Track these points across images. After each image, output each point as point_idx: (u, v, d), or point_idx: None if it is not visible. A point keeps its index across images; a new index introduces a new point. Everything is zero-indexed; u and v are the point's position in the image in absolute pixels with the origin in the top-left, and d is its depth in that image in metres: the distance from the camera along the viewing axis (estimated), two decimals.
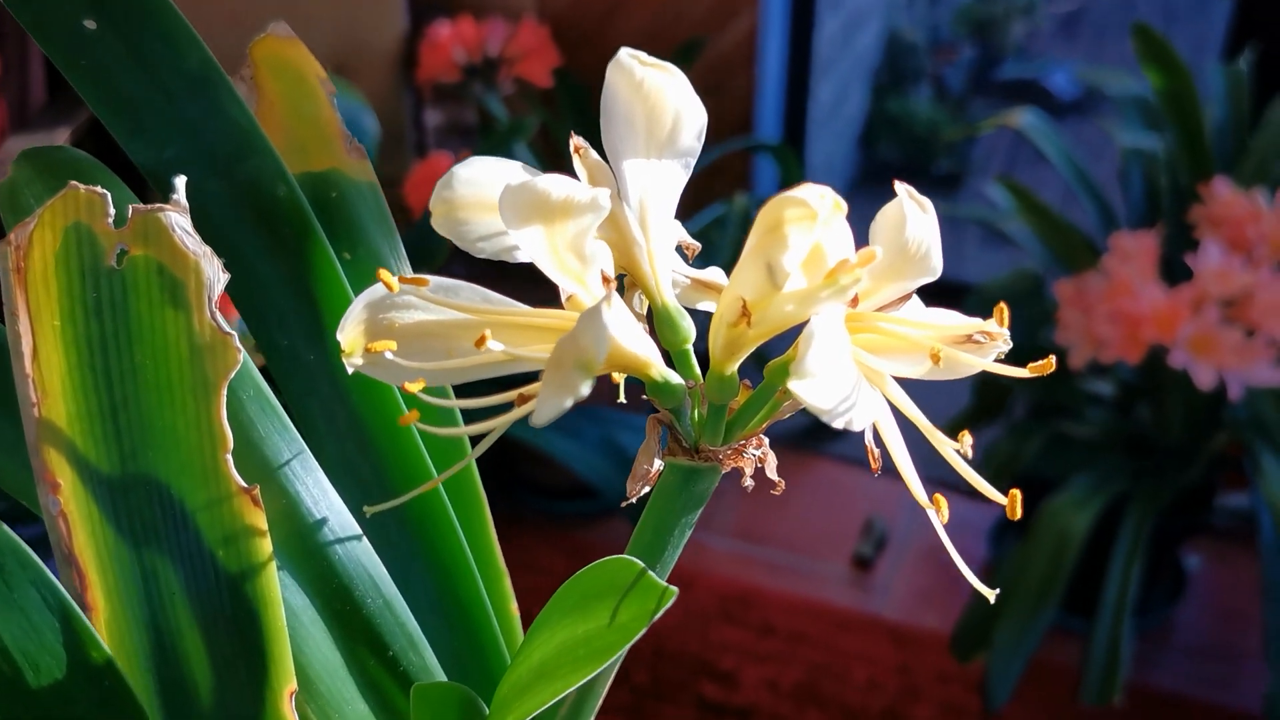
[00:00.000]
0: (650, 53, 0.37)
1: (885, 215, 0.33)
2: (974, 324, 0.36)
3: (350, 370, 0.37)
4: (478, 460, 0.46)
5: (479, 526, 0.49)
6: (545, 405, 0.28)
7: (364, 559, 0.43)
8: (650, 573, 0.33)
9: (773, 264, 0.29)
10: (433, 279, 0.36)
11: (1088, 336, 1.65)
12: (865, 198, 3.57)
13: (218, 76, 0.46)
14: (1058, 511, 1.66)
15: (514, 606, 0.50)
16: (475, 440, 0.40)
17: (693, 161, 0.38)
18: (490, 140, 2.09)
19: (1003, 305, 0.35)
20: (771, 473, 0.38)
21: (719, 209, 2.18)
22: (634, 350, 0.34)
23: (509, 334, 0.36)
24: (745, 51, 2.40)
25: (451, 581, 0.47)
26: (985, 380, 2.04)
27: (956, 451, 0.37)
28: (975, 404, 2.03)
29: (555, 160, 2.26)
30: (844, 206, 0.30)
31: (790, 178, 2.45)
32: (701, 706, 1.85)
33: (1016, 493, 0.36)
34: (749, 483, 0.38)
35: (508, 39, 2.15)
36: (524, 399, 0.36)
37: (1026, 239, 1.94)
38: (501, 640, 0.48)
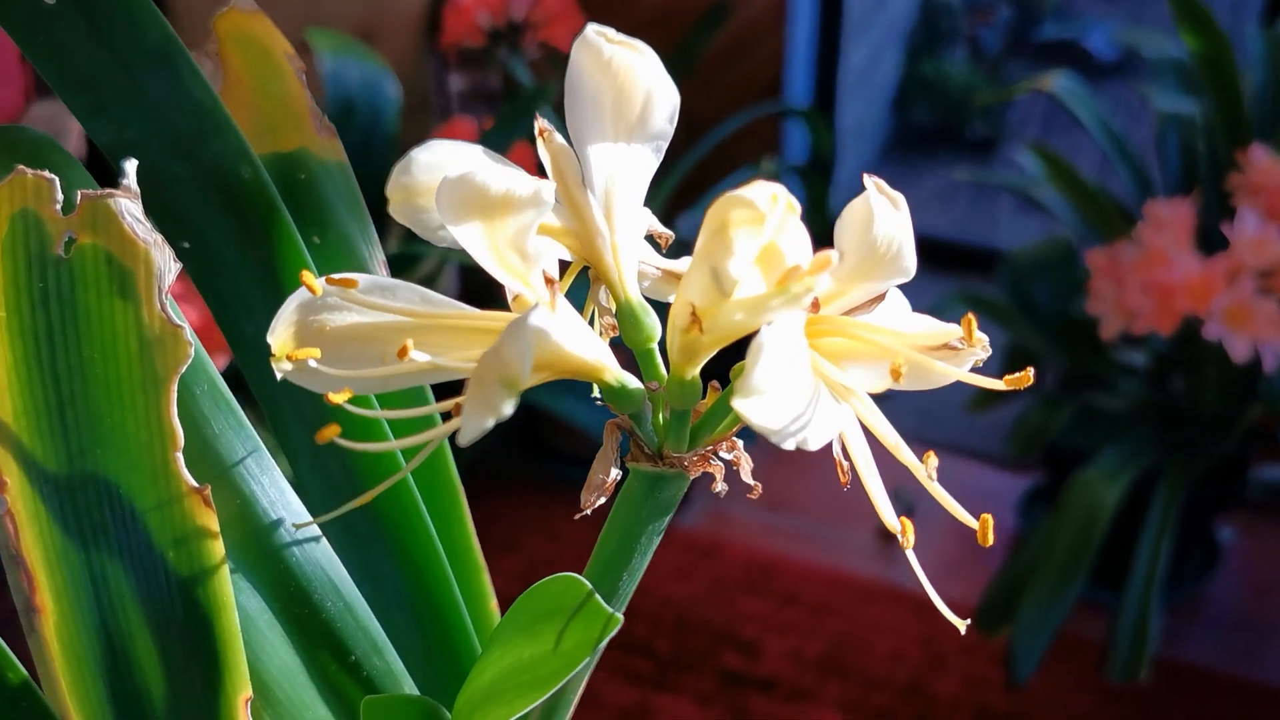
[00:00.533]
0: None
1: (851, 212, 0.31)
2: (951, 330, 0.33)
3: (279, 376, 0.35)
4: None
5: (456, 521, 0.48)
6: (467, 425, 0.26)
7: (323, 561, 0.42)
8: (597, 596, 0.31)
9: (718, 270, 0.27)
10: (365, 278, 0.34)
11: (1120, 307, 1.61)
12: (897, 163, 3.53)
13: (180, 53, 0.44)
14: (1087, 484, 1.63)
15: (493, 604, 0.49)
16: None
17: (664, 145, 0.36)
18: (514, 105, 2.06)
19: (971, 316, 0.32)
20: (747, 476, 0.36)
21: (746, 174, 2.15)
22: (582, 355, 0.32)
23: (450, 337, 0.34)
24: (775, 13, 2.35)
25: (424, 580, 0.45)
26: (1015, 349, 2.01)
27: (921, 468, 0.35)
28: (1004, 373, 2.00)
29: None
30: (798, 208, 0.27)
31: (820, 142, 2.41)
32: (723, 677, 1.84)
33: (988, 518, 0.33)
34: (721, 488, 0.36)
35: (532, 3, 2.11)
36: (461, 409, 0.34)
37: (1059, 206, 1.90)
38: (475, 641, 0.47)
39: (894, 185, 0.32)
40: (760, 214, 0.27)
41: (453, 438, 0.40)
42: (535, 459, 2.29)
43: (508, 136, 1.83)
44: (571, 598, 0.31)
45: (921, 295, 0.37)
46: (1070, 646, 1.80)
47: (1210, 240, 1.61)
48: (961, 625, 0.35)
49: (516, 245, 0.31)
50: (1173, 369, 1.83)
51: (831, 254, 0.28)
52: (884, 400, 0.35)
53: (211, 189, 0.44)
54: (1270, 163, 1.55)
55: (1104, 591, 1.79)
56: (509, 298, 0.34)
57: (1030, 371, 0.33)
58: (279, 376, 0.35)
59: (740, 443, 0.36)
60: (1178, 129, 1.80)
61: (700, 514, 2.17)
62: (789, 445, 0.27)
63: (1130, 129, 1.91)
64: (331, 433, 0.34)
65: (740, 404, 0.26)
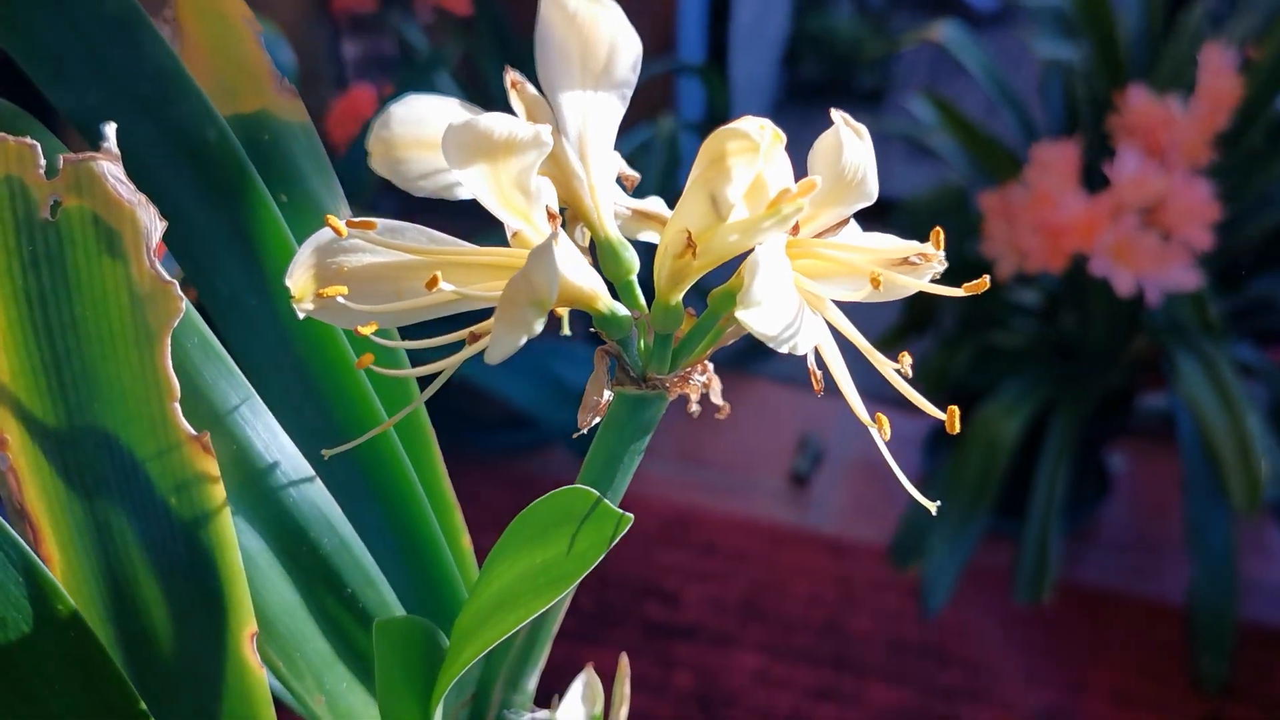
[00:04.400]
0: None
1: (823, 143, 0.34)
2: (910, 246, 0.36)
3: (301, 315, 0.37)
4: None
5: (428, 463, 0.50)
6: (499, 343, 0.28)
7: (318, 500, 0.44)
8: (605, 500, 0.33)
9: (716, 196, 0.30)
10: (379, 221, 0.36)
11: (1013, 247, 1.68)
12: (790, 117, 3.58)
13: (139, 19, 0.45)
14: (988, 420, 1.70)
15: (466, 540, 0.51)
16: (424, 381, 0.40)
17: (629, 93, 0.39)
18: (411, 71, 2.06)
19: (939, 229, 0.36)
20: (716, 397, 0.39)
21: (644, 133, 2.17)
22: (581, 284, 0.34)
23: (456, 273, 0.36)
24: None
25: (405, 519, 0.48)
26: (913, 295, 2.07)
27: (897, 371, 0.38)
28: (905, 318, 2.06)
29: (479, 90, 2.22)
30: (783, 137, 0.30)
31: (716, 99, 2.44)
32: (647, 628, 1.88)
33: (955, 409, 0.37)
34: (695, 408, 0.39)
35: None
36: (475, 337, 0.36)
37: (951, 152, 1.96)
38: (457, 574, 0.49)
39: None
40: (754, 143, 0.29)
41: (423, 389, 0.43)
42: (446, 427, 2.29)
43: None
44: (581, 505, 0.34)
45: None
46: (979, 577, 1.88)
47: (1094, 180, 1.69)
48: (932, 506, 0.39)
49: (520, 184, 0.33)
50: (1064, 306, 1.91)
51: (816, 178, 0.30)
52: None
53: (179, 152, 0.45)
54: (1147, 103, 1.62)
55: (1008, 523, 1.87)
56: (509, 235, 0.36)
57: (986, 278, 0.36)
58: (300, 316, 0.37)
59: (710, 365, 0.39)
60: (1059, 74, 1.87)
61: None
62: (784, 349, 0.31)
63: (1012, 76, 1.97)
64: (366, 361, 0.36)
65: (743, 314, 0.29)
